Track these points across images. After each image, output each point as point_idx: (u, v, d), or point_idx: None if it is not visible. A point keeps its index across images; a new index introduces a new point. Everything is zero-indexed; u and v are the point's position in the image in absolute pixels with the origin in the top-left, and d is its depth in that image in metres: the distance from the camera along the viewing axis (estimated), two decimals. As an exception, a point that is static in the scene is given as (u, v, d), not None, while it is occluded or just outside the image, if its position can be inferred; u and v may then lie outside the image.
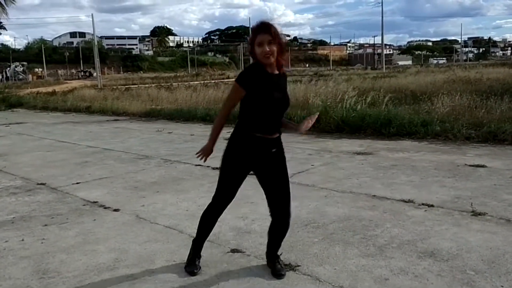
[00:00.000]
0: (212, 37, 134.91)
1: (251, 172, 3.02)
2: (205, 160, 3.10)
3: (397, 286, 2.83)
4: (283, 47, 2.80)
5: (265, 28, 2.72)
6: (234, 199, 3.08)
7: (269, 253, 3.19)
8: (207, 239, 3.72)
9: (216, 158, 7.39)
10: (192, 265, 3.16)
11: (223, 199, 3.08)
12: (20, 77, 62.81)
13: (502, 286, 2.79)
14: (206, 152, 3.07)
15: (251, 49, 2.79)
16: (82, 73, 72.76)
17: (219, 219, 4.19)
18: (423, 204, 4.40)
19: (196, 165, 6.65)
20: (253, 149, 2.90)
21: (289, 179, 3.08)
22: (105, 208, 4.74)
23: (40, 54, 74.69)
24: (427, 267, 3.07)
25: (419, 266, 3.09)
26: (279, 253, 3.20)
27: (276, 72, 2.85)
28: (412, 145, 7.57)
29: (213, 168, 6.34)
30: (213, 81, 35.95)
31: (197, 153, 3.09)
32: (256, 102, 2.79)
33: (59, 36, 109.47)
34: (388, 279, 2.93)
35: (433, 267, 3.07)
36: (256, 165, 2.97)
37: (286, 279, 3.00)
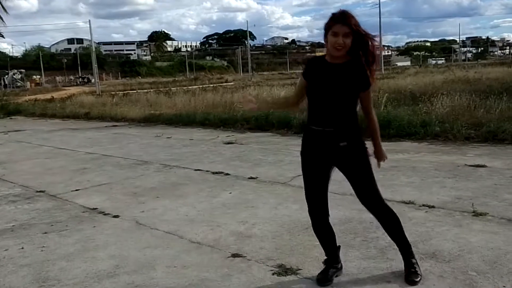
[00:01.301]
0: (210, 41, 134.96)
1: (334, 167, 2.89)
2: (243, 106, 3.04)
3: (399, 288, 2.82)
4: (370, 47, 2.65)
5: (345, 19, 2.58)
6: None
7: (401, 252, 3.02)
8: (211, 244, 3.72)
9: (216, 163, 7.36)
10: (322, 273, 3.00)
11: (309, 202, 2.95)
12: (18, 84, 62.74)
13: (504, 286, 2.78)
14: (250, 100, 3.03)
15: (324, 35, 2.67)
16: (80, 79, 72.78)
17: (219, 224, 4.20)
18: (424, 205, 4.38)
19: (196, 169, 6.64)
20: (315, 143, 2.81)
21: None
22: (105, 214, 4.73)
23: (38, 61, 74.67)
24: (429, 269, 3.06)
25: (421, 268, 3.06)
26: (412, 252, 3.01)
27: (341, 61, 2.69)
28: (412, 146, 7.56)
29: (213, 173, 6.34)
30: (211, 85, 35.96)
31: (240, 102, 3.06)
32: (309, 92, 2.79)
33: (57, 43, 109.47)
34: (390, 282, 2.91)
35: (435, 269, 3.05)
36: (328, 160, 2.83)
37: (287, 284, 2.97)
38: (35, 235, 4.20)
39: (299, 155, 2.94)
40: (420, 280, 2.89)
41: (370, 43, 2.67)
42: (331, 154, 2.80)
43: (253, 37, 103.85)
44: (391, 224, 2.94)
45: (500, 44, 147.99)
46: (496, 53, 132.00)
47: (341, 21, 2.59)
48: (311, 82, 2.79)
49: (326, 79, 2.71)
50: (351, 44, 2.63)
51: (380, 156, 2.98)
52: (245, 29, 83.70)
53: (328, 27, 2.63)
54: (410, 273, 2.91)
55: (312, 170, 2.89)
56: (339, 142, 2.76)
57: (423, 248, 3.40)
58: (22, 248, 3.88)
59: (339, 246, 3.11)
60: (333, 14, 2.65)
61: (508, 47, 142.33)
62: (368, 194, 2.88)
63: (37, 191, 5.88)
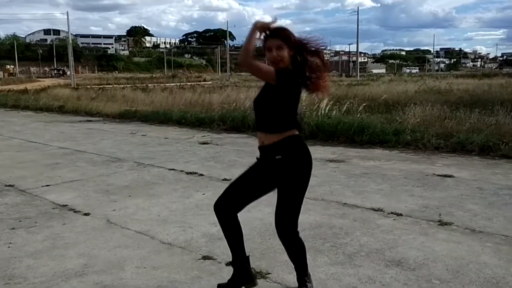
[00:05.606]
0: (189, 39, 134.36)
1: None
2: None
3: (365, 294, 2.89)
4: (308, 51, 2.60)
5: (274, 33, 2.57)
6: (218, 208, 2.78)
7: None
8: (182, 245, 3.72)
9: (190, 163, 7.32)
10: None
11: (227, 195, 2.82)
12: (-9, 73, 61.23)
13: (465, 295, 2.88)
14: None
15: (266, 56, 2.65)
16: (56, 71, 71.50)
17: (191, 225, 4.21)
18: (392, 213, 4.48)
19: (170, 169, 6.62)
20: (259, 157, 2.76)
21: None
22: (75, 212, 4.68)
23: (12, 50, 73.05)
24: (394, 276, 3.14)
25: (386, 275, 3.15)
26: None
27: None
28: (383, 153, 7.70)
29: (187, 173, 6.33)
30: (189, 83, 35.80)
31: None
32: None
33: (33, 33, 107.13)
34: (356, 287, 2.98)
35: (400, 276, 3.13)
36: (267, 174, 2.71)
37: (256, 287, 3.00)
38: (2, 230, 4.13)
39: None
40: None
41: (305, 48, 2.62)
42: (268, 168, 2.68)
43: (232, 37, 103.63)
44: (296, 253, 2.81)
45: (472, 56, 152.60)
46: (468, 64, 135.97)
47: (271, 35, 2.58)
48: None
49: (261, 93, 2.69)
50: (292, 56, 2.59)
51: None
52: (225, 28, 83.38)
53: (263, 47, 2.62)
54: None
55: (251, 173, 2.79)
56: (274, 155, 2.63)
57: (390, 255, 3.48)
58: (-11, 244, 3.81)
59: (249, 255, 2.88)
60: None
61: (479, 60, 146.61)
62: (284, 219, 2.69)
63: (6, 185, 5.77)
